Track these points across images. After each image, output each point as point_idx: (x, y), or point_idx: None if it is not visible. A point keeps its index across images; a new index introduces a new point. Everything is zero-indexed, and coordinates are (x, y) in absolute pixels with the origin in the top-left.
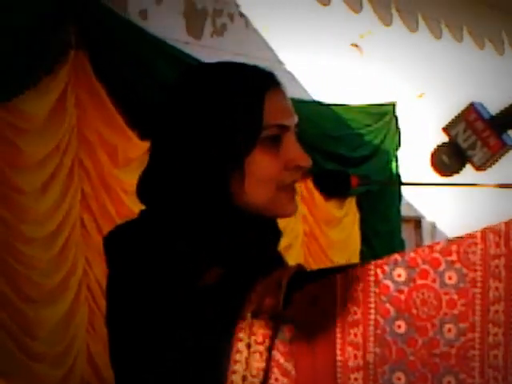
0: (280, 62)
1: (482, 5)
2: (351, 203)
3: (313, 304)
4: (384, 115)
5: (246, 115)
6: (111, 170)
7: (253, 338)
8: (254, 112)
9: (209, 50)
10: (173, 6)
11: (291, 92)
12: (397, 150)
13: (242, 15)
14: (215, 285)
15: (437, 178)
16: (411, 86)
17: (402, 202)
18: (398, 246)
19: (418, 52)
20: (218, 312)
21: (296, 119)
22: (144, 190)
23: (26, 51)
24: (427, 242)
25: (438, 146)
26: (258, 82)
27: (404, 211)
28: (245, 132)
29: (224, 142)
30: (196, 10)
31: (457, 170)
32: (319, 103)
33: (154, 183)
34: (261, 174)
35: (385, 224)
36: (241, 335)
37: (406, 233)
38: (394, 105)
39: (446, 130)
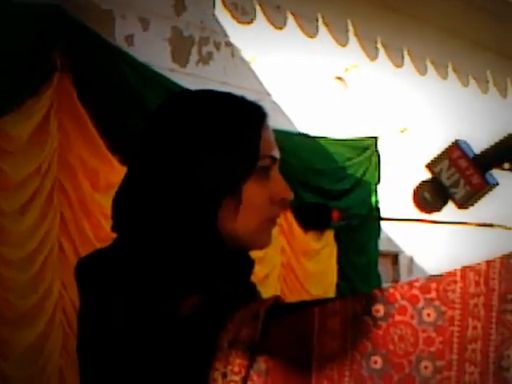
0: (265, 93)
1: (468, 43)
2: (329, 236)
3: (290, 336)
4: (366, 149)
5: (247, 143)
6: (92, 194)
7: (229, 367)
8: (255, 140)
9: (194, 78)
10: (159, 32)
11: (277, 123)
12: (377, 184)
13: (228, 44)
14: (192, 314)
15: (418, 213)
16: (395, 121)
17: (381, 236)
18: (374, 280)
19: (402, 87)
20: (194, 341)
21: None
22: (122, 215)
23: (11, 73)
24: (404, 276)
25: (421, 182)
26: (256, 112)
27: (382, 245)
28: (245, 158)
29: (224, 168)
30: (182, 37)
31: (439, 207)
32: (303, 135)
33: (135, 210)
34: (253, 204)
35: (362, 257)
36: (217, 365)
37: (383, 267)
38: (376, 139)
39: (429, 166)
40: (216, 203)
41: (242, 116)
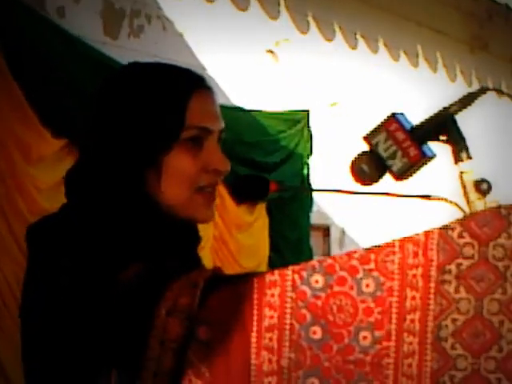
0: (199, 67)
1: (398, 17)
2: (261, 209)
3: (229, 306)
4: (297, 122)
5: (167, 113)
6: (24, 167)
7: (166, 335)
8: (176, 111)
9: (126, 51)
10: (91, 4)
11: None
12: (309, 157)
13: (159, 17)
14: (133, 281)
15: (354, 186)
16: (327, 95)
17: (313, 209)
18: (305, 253)
19: (334, 61)
20: (133, 308)
21: (222, 125)
22: (70, 185)
23: None
24: (335, 249)
25: (359, 154)
26: (185, 83)
27: (314, 218)
28: (164, 130)
29: (142, 139)
30: (114, 9)
31: (376, 179)
32: (236, 108)
33: (80, 179)
34: (177, 174)
35: (294, 230)
36: (154, 332)
37: (315, 239)
38: (308, 112)
39: (366, 138)
40: (136, 175)
41: (167, 85)
